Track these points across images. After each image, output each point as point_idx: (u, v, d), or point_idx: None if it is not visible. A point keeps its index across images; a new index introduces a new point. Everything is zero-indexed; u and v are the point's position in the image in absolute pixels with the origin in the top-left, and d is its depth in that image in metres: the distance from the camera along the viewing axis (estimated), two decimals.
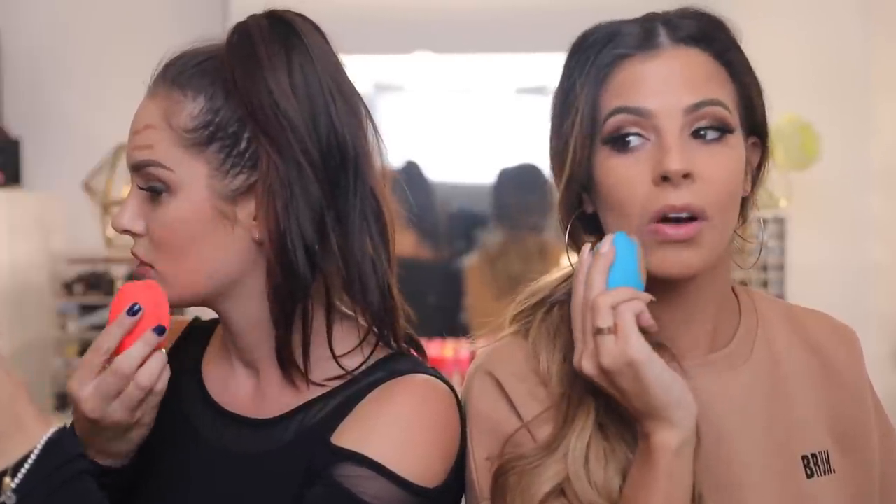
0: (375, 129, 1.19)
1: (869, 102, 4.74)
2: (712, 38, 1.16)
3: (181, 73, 1.15)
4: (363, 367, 1.18)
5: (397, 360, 1.19)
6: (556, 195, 1.21)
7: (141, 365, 1.12)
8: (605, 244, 1.10)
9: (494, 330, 1.27)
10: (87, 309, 4.52)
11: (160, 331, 1.13)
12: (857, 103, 4.72)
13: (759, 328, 1.25)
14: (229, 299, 1.18)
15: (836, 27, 4.71)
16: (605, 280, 1.09)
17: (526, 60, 4.96)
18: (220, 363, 1.25)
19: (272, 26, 1.15)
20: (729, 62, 1.17)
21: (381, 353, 1.19)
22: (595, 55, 1.16)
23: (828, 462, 1.21)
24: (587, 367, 1.09)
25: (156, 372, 1.12)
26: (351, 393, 1.16)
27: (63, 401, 4.38)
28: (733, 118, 1.15)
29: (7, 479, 0.95)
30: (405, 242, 4.11)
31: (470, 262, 4.76)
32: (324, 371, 1.17)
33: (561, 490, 1.12)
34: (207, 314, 1.26)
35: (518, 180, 4.63)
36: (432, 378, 1.17)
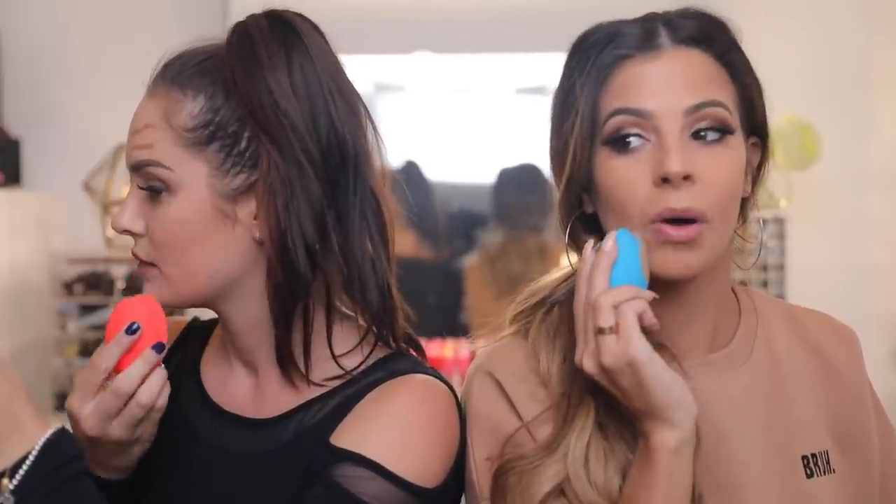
0: (375, 128, 1.19)
1: (869, 102, 4.74)
2: (713, 38, 1.16)
3: (181, 72, 1.15)
4: (362, 366, 1.18)
5: (397, 359, 1.19)
6: (556, 195, 1.21)
7: (141, 383, 1.11)
8: (609, 242, 1.10)
9: (494, 330, 1.27)
10: (87, 309, 4.52)
11: (159, 348, 1.13)
12: (857, 103, 4.72)
13: (758, 328, 1.25)
14: (229, 299, 1.18)
15: (836, 27, 4.71)
16: (608, 278, 1.09)
17: (526, 60, 4.96)
18: (219, 363, 1.25)
19: (272, 26, 1.15)
20: (730, 63, 1.17)
21: (380, 353, 1.19)
22: (595, 56, 1.16)
23: (828, 462, 1.21)
24: (588, 365, 1.09)
25: (156, 390, 1.12)
26: (350, 393, 1.16)
27: (63, 401, 4.37)
28: (734, 119, 1.14)
29: (5, 481, 0.95)
30: (405, 242, 4.11)
31: (470, 262, 4.76)
32: (323, 371, 1.17)
33: (561, 490, 1.12)
34: (206, 314, 1.26)
35: (518, 180, 4.63)
36: (431, 378, 1.17)
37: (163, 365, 1.14)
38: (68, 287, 4.55)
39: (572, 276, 1.23)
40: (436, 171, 4.88)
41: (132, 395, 1.11)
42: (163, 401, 1.13)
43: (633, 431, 1.12)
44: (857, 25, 4.72)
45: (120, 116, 1.27)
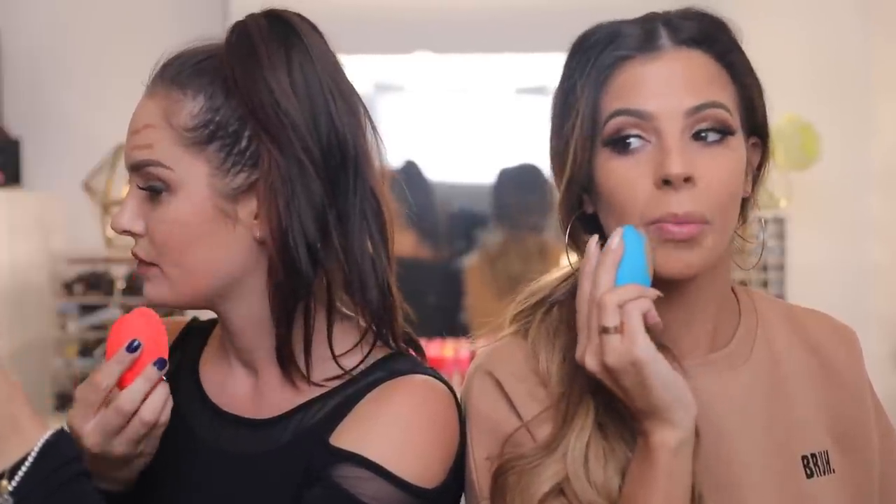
0: (374, 128, 1.19)
1: (869, 102, 4.74)
2: (714, 39, 1.16)
3: (180, 72, 1.15)
4: (362, 366, 1.18)
5: (396, 360, 1.19)
6: (557, 195, 1.21)
7: (143, 400, 1.11)
8: (615, 239, 1.10)
9: (494, 330, 1.27)
10: (87, 309, 4.52)
11: (161, 364, 1.12)
12: (857, 103, 4.72)
13: (758, 328, 1.25)
14: (229, 299, 1.18)
15: (836, 27, 4.71)
16: (614, 276, 1.08)
17: (526, 60, 4.96)
18: (218, 363, 1.25)
19: (271, 25, 1.15)
20: (730, 63, 1.16)
21: (379, 353, 1.19)
22: (595, 56, 1.16)
23: (827, 462, 1.21)
24: (590, 363, 1.09)
25: (159, 406, 1.12)
26: (350, 393, 1.16)
27: (63, 401, 4.38)
28: (734, 120, 1.14)
29: (4, 482, 0.95)
30: (405, 242, 4.11)
31: (470, 262, 4.76)
32: (323, 371, 1.17)
33: (560, 490, 1.12)
34: (205, 314, 1.26)
35: (518, 180, 4.63)
36: (431, 378, 1.17)
37: (165, 380, 1.13)
38: (68, 287, 4.55)
39: (572, 275, 1.23)
40: (436, 171, 4.87)
41: (135, 413, 1.11)
42: (166, 417, 1.13)
43: (632, 431, 1.12)
44: (857, 25, 4.72)
45: (120, 116, 1.27)
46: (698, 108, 1.12)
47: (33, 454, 0.96)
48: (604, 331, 1.07)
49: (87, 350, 4.47)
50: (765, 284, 4.52)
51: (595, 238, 1.12)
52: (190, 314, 1.43)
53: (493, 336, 1.26)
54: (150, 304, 1.18)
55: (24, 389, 0.99)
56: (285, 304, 1.14)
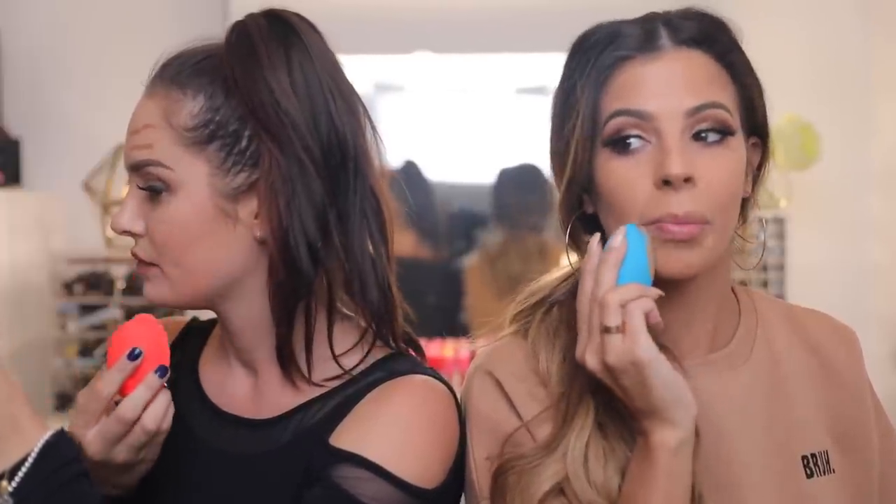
0: (373, 127, 1.19)
1: (869, 102, 4.73)
2: (714, 39, 1.16)
3: (179, 72, 1.15)
4: (362, 366, 1.18)
5: (396, 360, 1.19)
6: (557, 195, 1.21)
7: (145, 408, 1.11)
8: (618, 237, 1.09)
9: (494, 330, 1.27)
10: (87, 309, 4.52)
11: (162, 372, 1.12)
12: (857, 103, 4.72)
13: (758, 328, 1.25)
14: (230, 299, 1.18)
15: (836, 27, 4.71)
16: (616, 275, 1.08)
17: (526, 60, 4.96)
18: (218, 363, 1.25)
19: (270, 25, 1.15)
20: (730, 63, 1.16)
21: (379, 353, 1.19)
22: (596, 57, 1.16)
23: (827, 462, 1.21)
24: (591, 361, 1.08)
25: (160, 414, 1.12)
26: (350, 393, 1.16)
27: (63, 401, 4.38)
28: (734, 120, 1.14)
29: (4, 483, 0.95)
30: (405, 242, 4.11)
31: (470, 262, 4.76)
32: (323, 371, 1.17)
33: (560, 489, 1.12)
34: (204, 314, 1.26)
35: (518, 180, 4.63)
36: (431, 378, 1.17)
37: (166, 387, 1.13)
38: (68, 287, 4.55)
39: (572, 275, 1.23)
40: (436, 171, 4.87)
41: (136, 421, 1.11)
42: (167, 424, 1.13)
43: (632, 430, 1.12)
44: (857, 25, 4.72)
45: (120, 116, 1.27)
46: (698, 109, 1.12)
47: (33, 455, 0.96)
48: (605, 330, 1.07)
49: (87, 350, 4.47)
50: (765, 284, 4.52)
51: (597, 236, 1.12)
52: (190, 314, 1.43)
53: (493, 336, 1.26)
54: (150, 304, 1.18)
55: (24, 389, 0.99)
56: (286, 304, 1.14)
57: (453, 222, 4.98)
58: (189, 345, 1.29)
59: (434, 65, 5.06)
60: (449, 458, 1.14)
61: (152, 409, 1.11)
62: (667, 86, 1.13)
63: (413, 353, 1.23)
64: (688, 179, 1.10)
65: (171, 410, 1.13)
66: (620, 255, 1.08)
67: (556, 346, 1.19)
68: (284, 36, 1.14)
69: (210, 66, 1.15)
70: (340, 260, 1.15)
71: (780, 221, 4.58)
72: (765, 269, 4.56)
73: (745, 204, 1.20)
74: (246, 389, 1.21)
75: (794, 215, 4.60)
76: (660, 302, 1.09)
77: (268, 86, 1.12)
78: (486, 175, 4.78)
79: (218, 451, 1.19)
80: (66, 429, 1.10)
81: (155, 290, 1.16)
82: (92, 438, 1.11)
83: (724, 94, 1.14)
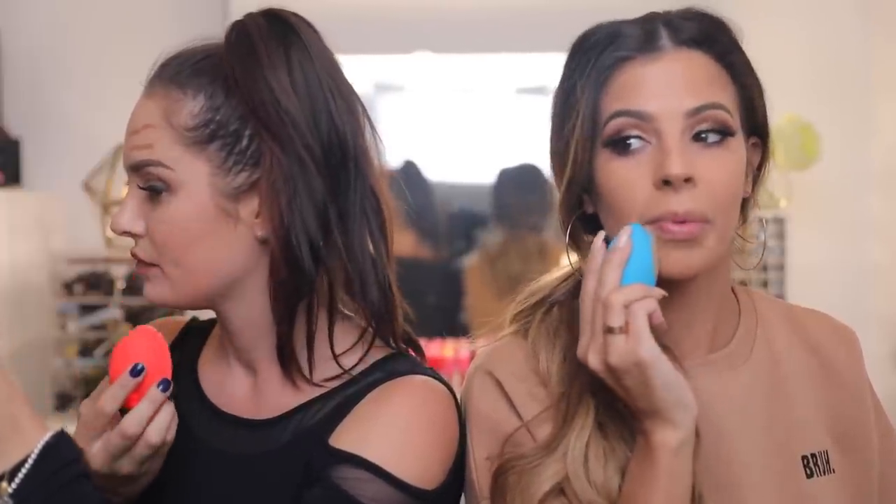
0: (372, 127, 1.19)
1: (869, 102, 4.73)
2: (714, 39, 1.16)
3: (179, 71, 1.15)
4: (362, 367, 1.18)
5: (396, 360, 1.19)
6: (557, 195, 1.21)
7: (148, 423, 1.11)
8: (623, 237, 1.09)
9: (494, 330, 1.27)
10: (87, 309, 4.51)
11: (165, 386, 1.12)
12: (857, 103, 4.72)
13: (758, 328, 1.25)
14: (230, 298, 1.17)
15: (836, 27, 4.70)
16: (620, 275, 1.08)
17: (526, 60, 4.95)
18: (217, 363, 1.25)
19: (270, 24, 1.15)
20: (730, 64, 1.16)
21: (379, 354, 1.19)
22: (596, 57, 1.16)
23: (827, 462, 1.21)
24: (593, 361, 1.08)
25: (164, 427, 1.12)
26: (349, 393, 1.16)
27: (63, 401, 4.38)
28: (734, 121, 1.14)
29: (4, 484, 0.95)
30: (405, 242, 4.11)
31: (470, 262, 4.76)
32: (323, 371, 1.17)
33: (560, 489, 1.12)
34: (204, 314, 1.26)
35: (518, 180, 4.62)
36: (431, 379, 1.17)
37: (170, 399, 1.13)
38: (68, 287, 4.54)
39: (572, 275, 1.23)
40: (436, 171, 4.87)
41: (140, 435, 1.11)
42: (171, 436, 1.13)
43: (632, 430, 1.12)
44: (857, 25, 4.72)
45: (120, 116, 1.26)
46: (698, 110, 1.12)
47: (33, 456, 0.96)
48: (609, 331, 1.06)
49: (87, 350, 4.47)
50: (765, 284, 4.51)
51: (602, 235, 1.12)
52: (189, 314, 1.42)
53: (493, 336, 1.26)
54: (150, 304, 1.18)
55: (24, 389, 0.99)
56: (287, 303, 1.14)
57: (453, 222, 4.98)
58: (188, 345, 1.29)
59: (434, 65, 5.06)
60: (449, 458, 1.14)
61: (156, 423, 1.11)
62: (667, 86, 1.13)
63: (413, 354, 1.23)
64: (688, 180, 1.10)
65: (175, 423, 1.13)
66: (625, 254, 1.08)
67: (557, 346, 1.19)
68: (284, 35, 1.14)
69: (210, 65, 1.15)
70: (342, 259, 1.15)
71: (780, 221, 4.58)
72: (765, 269, 4.55)
73: (746, 204, 1.20)
74: (245, 389, 1.21)
75: (794, 215, 4.60)
76: (660, 302, 1.09)
77: (268, 85, 1.12)
78: (486, 175, 4.78)
79: (217, 451, 1.19)
80: (73, 435, 1.10)
81: (155, 290, 1.16)
82: (96, 452, 1.11)
83: (724, 94, 1.14)
